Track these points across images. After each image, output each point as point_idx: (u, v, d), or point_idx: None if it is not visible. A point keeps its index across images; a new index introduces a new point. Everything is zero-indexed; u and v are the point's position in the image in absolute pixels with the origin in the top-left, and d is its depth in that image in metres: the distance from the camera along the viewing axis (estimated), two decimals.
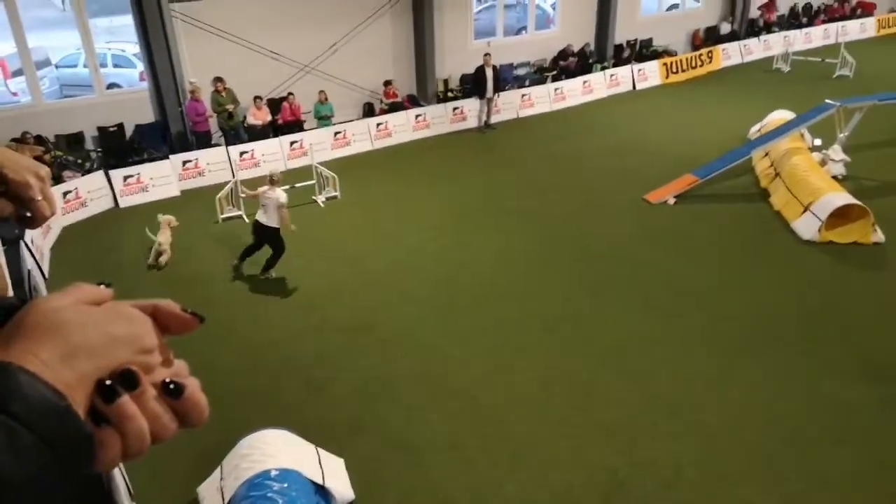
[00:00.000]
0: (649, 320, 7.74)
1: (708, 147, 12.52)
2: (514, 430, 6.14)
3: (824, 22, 22.10)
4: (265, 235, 8.50)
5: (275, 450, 4.99)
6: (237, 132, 13.27)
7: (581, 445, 5.92)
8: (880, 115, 11.93)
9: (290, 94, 13.91)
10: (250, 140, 13.11)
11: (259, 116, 13.38)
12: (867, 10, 23.41)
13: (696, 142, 13.26)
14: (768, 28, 21.37)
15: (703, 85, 17.83)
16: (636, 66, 17.82)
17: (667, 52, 19.22)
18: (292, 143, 13.27)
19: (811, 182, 9.87)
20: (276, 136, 13.45)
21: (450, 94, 16.27)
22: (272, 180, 8.37)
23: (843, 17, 22.67)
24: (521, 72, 17.35)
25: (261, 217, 8.41)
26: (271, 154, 13.01)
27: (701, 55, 18.96)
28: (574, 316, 7.92)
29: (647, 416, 6.25)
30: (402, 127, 14.60)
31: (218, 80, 12.84)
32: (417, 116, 14.83)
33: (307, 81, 14.44)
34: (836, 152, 11.20)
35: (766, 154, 11.40)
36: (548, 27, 18.68)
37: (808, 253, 9.05)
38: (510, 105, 15.75)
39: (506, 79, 16.28)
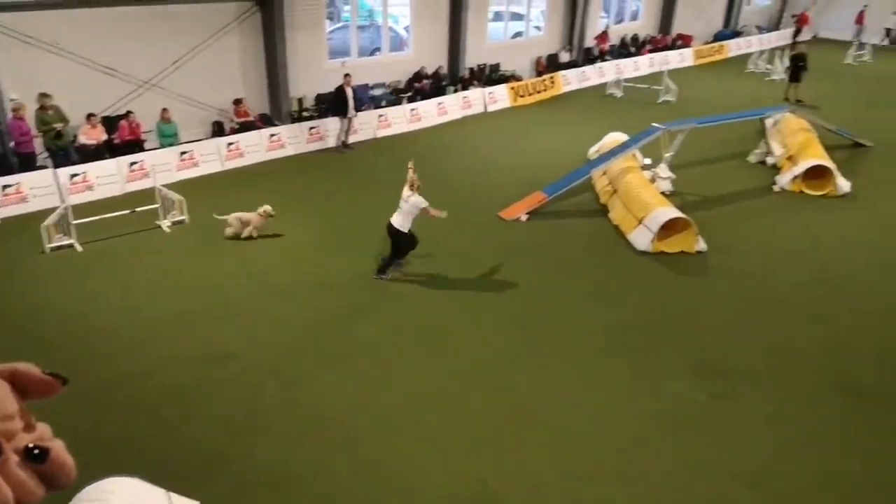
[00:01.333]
0: (510, 333, 8.08)
1: (554, 166, 13.34)
2: (387, 452, 6.12)
3: (650, 52, 24.47)
4: (396, 237, 8.80)
5: (117, 499, 4.58)
6: (67, 153, 12.15)
7: (452, 461, 6.03)
8: (699, 137, 13.39)
9: (129, 112, 13.00)
10: (83, 161, 12.06)
11: (92, 136, 12.37)
12: (685, 42, 26.25)
13: (544, 161, 14.08)
14: (602, 57, 23.29)
15: (547, 108, 19.01)
16: (487, 90, 18.63)
17: (514, 77, 20.30)
18: (132, 164, 12.37)
19: (643, 198, 10.83)
20: (112, 156, 12.49)
21: (304, 113, 16.03)
22: (414, 185, 8.65)
23: (666, 48, 25.24)
24: (376, 92, 17.51)
25: (394, 219, 8.74)
26: (107, 176, 12.05)
27: (544, 80, 20.22)
28: (441, 331, 8.07)
29: (513, 427, 6.50)
30: (256, 147, 14.15)
31: (43, 96, 11.70)
32: (272, 136, 14.44)
33: (149, 99, 13.57)
34: (663, 170, 12.40)
35: (605, 173, 12.36)
36: (402, 49, 19.03)
37: (644, 263, 9.90)
38: (367, 125, 15.81)
39: (362, 99, 16.34)
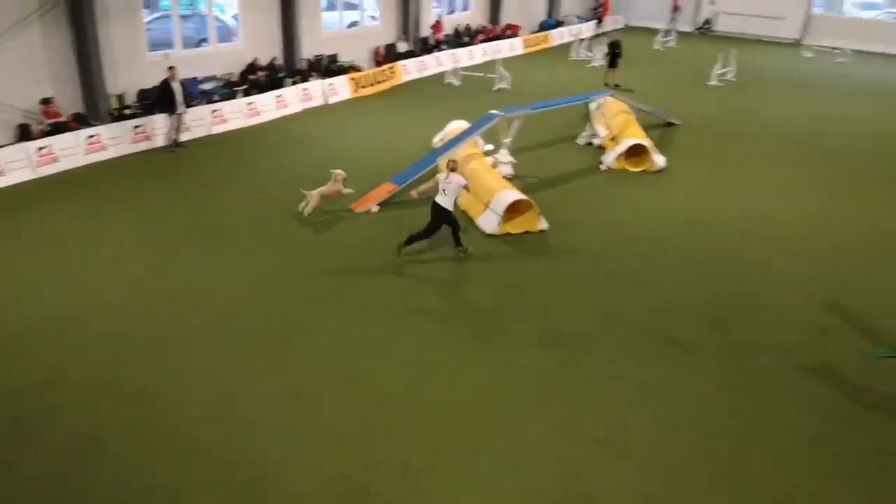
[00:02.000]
0: (367, 324, 8.05)
1: (401, 155, 13.43)
2: (245, 460, 5.86)
3: (482, 41, 25.34)
4: (443, 216, 9.40)
5: None
6: None
7: (315, 459, 5.91)
8: (534, 122, 14.12)
9: None
10: None
11: None
12: (514, 32, 27.49)
13: (391, 151, 14.12)
14: (438, 46, 23.75)
15: (389, 98, 19.06)
16: (327, 81, 18.29)
17: (353, 68, 20.10)
18: None
19: (488, 183, 11.24)
20: None
21: (126, 111, 14.74)
22: (452, 168, 9.38)
23: (497, 37, 26.27)
24: (207, 86, 16.52)
25: (440, 199, 9.34)
26: None
27: (385, 70, 20.24)
28: (296, 329, 7.86)
29: (376, 415, 6.50)
30: (72, 150, 12.81)
31: None
32: (90, 137, 13.15)
33: None
34: (504, 155, 12.94)
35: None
36: (231, 40, 18.11)
37: (492, 244, 10.29)
38: (200, 121, 14.89)
39: (192, 94, 15.35)
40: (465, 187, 9.51)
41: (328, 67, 19.81)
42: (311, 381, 6.98)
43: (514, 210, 10.65)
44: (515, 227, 10.64)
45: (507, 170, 12.84)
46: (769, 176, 13.72)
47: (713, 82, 21.63)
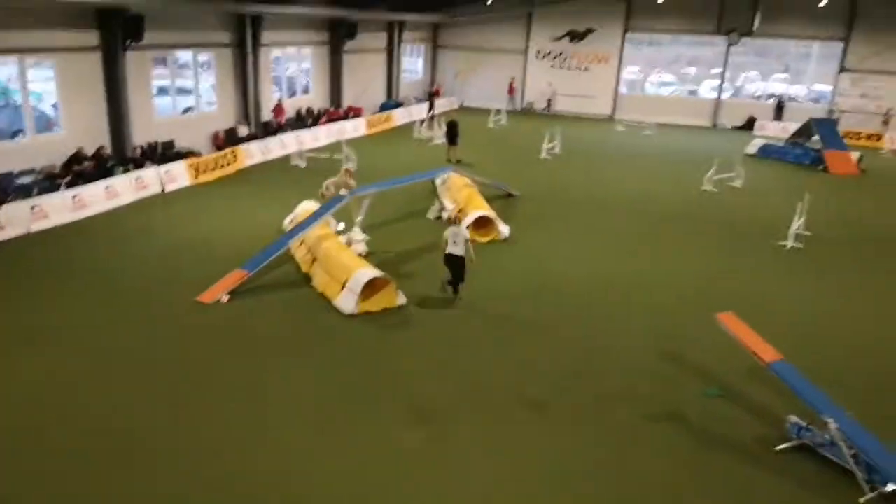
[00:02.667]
0: (230, 414, 7.48)
1: (251, 240, 13.01)
2: None
3: (326, 122, 25.71)
4: (459, 264, 10.78)
5: None
6: None
7: None
8: (384, 199, 14.39)
9: None
10: None
11: None
12: (357, 113, 28.25)
13: (240, 236, 13.64)
14: (281, 129, 23.72)
15: (233, 182, 18.55)
16: (163, 168, 17.46)
17: (192, 153, 19.42)
18: None
19: (344, 262, 11.17)
20: None
21: None
22: (456, 221, 11.42)
23: (340, 119, 26.80)
24: (25, 180, 15.10)
25: (452, 249, 10.73)
26: None
27: (226, 155, 19.75)
28: (122, 434, 7.10)
29: (245, 496, 5.97)
30: None
31: None
32: None
33: None
34: (357, 233, 12.99)
35: (302, 242, 12.45)
36: (51, 130, 16.83)
37: (353, 325, 10.15)
38: (17, 219, 13.46)
39: (6, 190, 13.92)
40: (467, 239, 10.91)
41: (164, 154, 18.98)
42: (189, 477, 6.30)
43: (371, 288, 10.63)
44: (374, 304, 10.60)
45: (362, 247, 12.88)
46: (603, 238, 14.97)
47: (544, 155, 23.49)
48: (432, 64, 37.15)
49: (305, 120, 25.77)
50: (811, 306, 11.66)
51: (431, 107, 30.29)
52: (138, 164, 17.53)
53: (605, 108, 34.38)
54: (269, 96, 24.39)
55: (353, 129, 26.43)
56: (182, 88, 21.22)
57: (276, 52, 24.87)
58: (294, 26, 25.04)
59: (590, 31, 33.83)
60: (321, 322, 10.24)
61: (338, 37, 27.08)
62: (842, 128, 26.48)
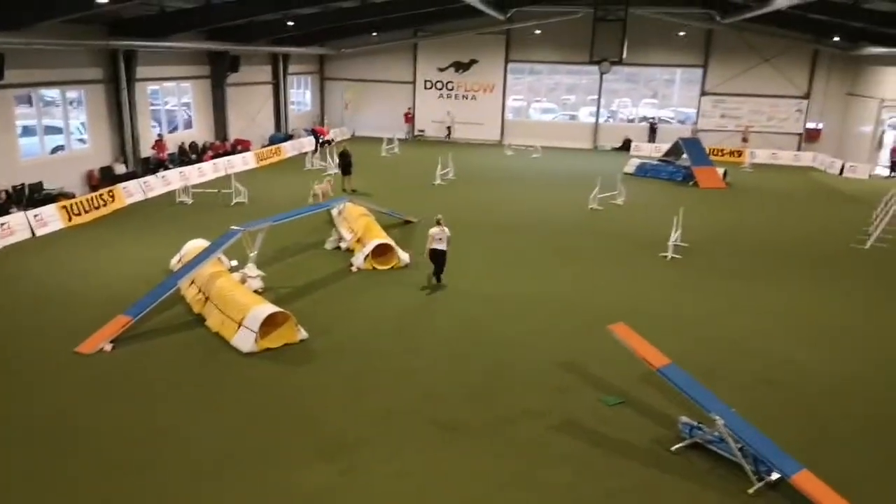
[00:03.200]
0: (114, 475, 6.93)
1: (135, 283, 12.29)
2: None
3: (212, 157, 24.82)
4: (443, 257, 13.07)
5: None
6: None
7: None
8: (279, 233, 14.04)
9: None
10: None
11: None
12: (245, 147, 27.49)
13: (123, 279, 12.83)
14: (163, 165, 22.65)
15: (112, 223, 17.46)
16: (31, 213, 16.15)
17: (63, 195, 18.12)
18: None
19: (238, 300, 10.76)
20: None
21: None
22: (439, 222, 13.04)
23: (227, 153, 25.97)
24: None
25: (437, 245, 12.96)
26: None
27: (102, 195, 18.57)
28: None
29: None
30: None
31: None
32: None
33: None
34: (251, 269, 12.57)
35: (193, 282, 11.89)
36: None
37: (252, 364, 9.76)
38: None
39: None
40: (448, 237, 13.04)
41: (31, 197, 17.59)
42: None
43: (270, 324, 10.30)
44: (274, 341, 10.27)
45: (257, 283, 12.48)
46: (499, 259, 15.35)
47: (438, 181, 23.87)
48: (321, 95, 36.98)
49: (190, 155, 24.78)
50: (693, 311, 12.48)
51: (317, 140, 30.15)
52: (3, 210, 16.13)
53: (493, 134, 35.53)
54: (149, 132, 23.29)
55: (241, 162, 25.72)
56: (51, 127, 19.82)
57: (153, 87, 23.85)
58: (171, 60, 24.13)
59: (474, 61, 35.00)
60: (218, 363, 9.78)
61: (219, 70, 26.37)
62: (707, 145, 28.76)
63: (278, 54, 30.68)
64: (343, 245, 15.28)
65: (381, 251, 14.30)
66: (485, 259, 15.28)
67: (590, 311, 12.07)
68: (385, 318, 11.62)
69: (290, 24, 25.33)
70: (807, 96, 32.42)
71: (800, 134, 32.84)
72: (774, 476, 7.23)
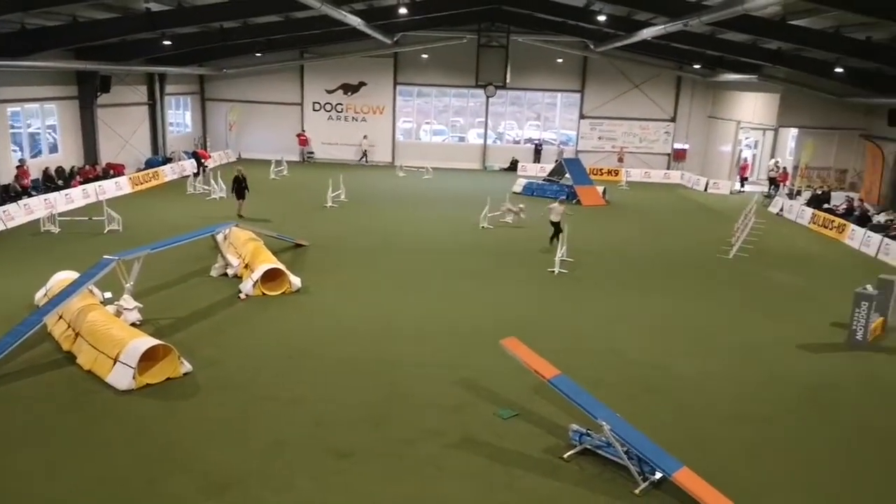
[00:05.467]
0: None
1: None
2: None
3: (81, 183, 23.14)
4: (557, 226, 17.74)
5: None
6: None
7: None
8: (158, 261, 13.28)
9: None
10: None
11: None
12: (118, 171, 25.84)
13: None
14: (26, 192, 20.86)
15: None
16: None
17: None
18: None
19: (113, 334, 10.04)
20: None
21: None
22: (560, 201, 18.69)
23: (98, 178, 24.30)
24: None
25: (554, 217, 17.97)
26: None
27: None
28: None
29: None
30: None
31: None
32: None
33: None
34: (127, 301, 11.78)
35: (60, 317, 10.98)
36: None
37: (131, 402, 9.12)
38: None
39: None
40: (564, 211, 18.17)
41: None
42: None
43: (149, 359, 9.68)
44: (154, 376, 9.65)
45: (134, 316, 11.71)
46: (393, 280, 15.32)
47: (330, 204, 23.56)
48: (202, 117, 35.59)
49: (56, 181, 22.98)
50: (580, 323, 13.02)
51: (199, 164, 28.89)
52: None
53: (385, 156, 35.64)
54: (9, 157, 21.40)
55: (115, 187, 24.19)
56: None
57: (13, 108, 21.98)
58: (34, 81, 22.36)
59: (362, 83, 35.05)
60: (91, 404, 9.05)
61: (89, 90, 24.73)
62: (587, 165, 30.31)
63: (154, 74, 29.28)
64: (230, 272, 14.68)
65: (272, 276, 13.87)
66: (377, 281, 15.20)
67: (483, 328, 12.28)
68: (275, 346, 11.25)
69: (167, 43, 24.27)
70: (673, 119, 35.07)
71: (668, 154, 35.40)
72: (658, 475, 7.63)
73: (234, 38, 27.21)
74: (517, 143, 36.64)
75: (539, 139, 36.06)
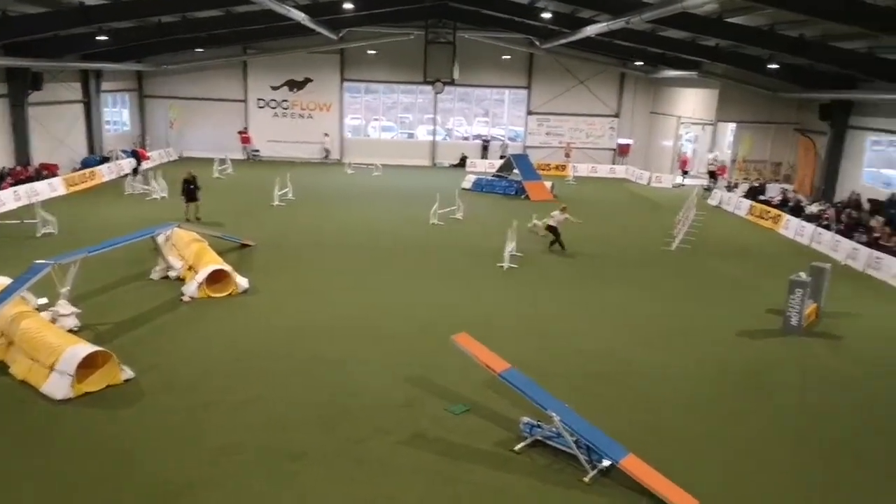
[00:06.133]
0: None
1: None
2: None
3: (12, 185, 22.07)
4: (556, 232, 18.13)
5: None
6: None
7: None
8: (97, 265, 12.80)
9: None
10: None
11: None
12: (52, 171, 24.75)
13: None
14: None
15: None
16: None
17: None
18: None
19: (48, 341, 9.62)
20: None
21: None
22: (563, 209, 18.61)
23: (31, 179, 23.25)
24: None
25: (550, 222, 18.23)
26: None
27: None
28: None
29: None
30: None
31: None
32: None
33: None
34: (64, 307, 11.31)
35: None
36: None
37: (70, 412, 8.77)
38: None
39: None
40: (566, 219, 18.27)
41: None
42: None
43: (88, 365, 9.34)
44: (94, 384, 9.31)
45: (71, 322, 11.26)
46: (343, 278, 15.17)
47: (277, 203, 23.16)
48: (141, 115, 34.45)
49: None
50: (529, 316, 13.17)
51: (139, 163, 27.93)
52: None
53: (333, 153, 35.24)
54: None
55: (48, 188, 23.18)
56: None
57: None
58: None
59: (308, 80, 34.57)
60: (26, 416, 8.66)
61: (19, 88, 23.61)
62: (535, 161, 30.67)
63: (89, 71, 28.17)
64: (172, 274, 14.27)
65: (217, 278, 13.54)
66: (326, 279, 15.03)
67: (434, 324, 12.28)
68: (222, 348, 11.00)
69: (103, 38, 23.36)
70: (617, 115, 35.81)
71: (613, 149, 36.13)
72: (606, 463, 7.79)
73: (174, 33, 26.45)
74: (466, 139, 36.78)
75: (487, 135, 36.30)
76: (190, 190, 19.93)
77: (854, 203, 22.24)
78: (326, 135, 34.91)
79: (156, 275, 14.40)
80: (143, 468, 7.60)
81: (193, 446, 8.09)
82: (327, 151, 34.89)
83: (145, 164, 28.43)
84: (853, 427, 9.29)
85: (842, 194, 23.96)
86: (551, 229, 18.23)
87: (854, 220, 20.86)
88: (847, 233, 19.72)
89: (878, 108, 22.79)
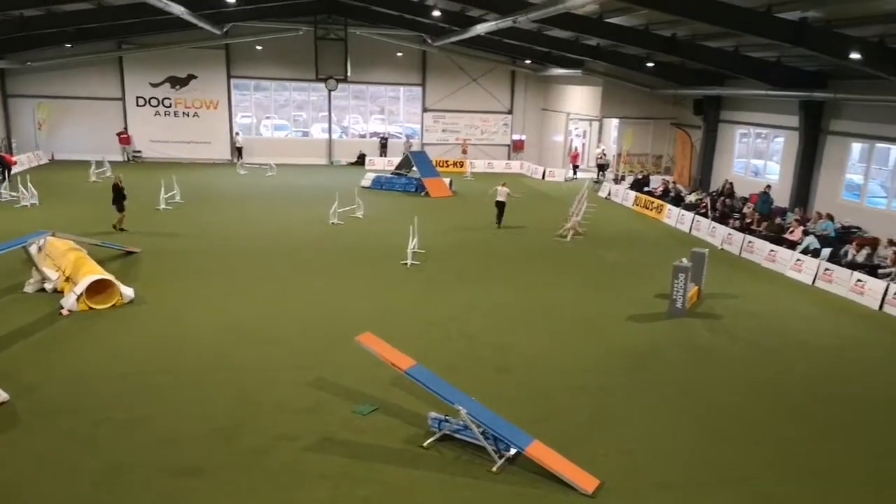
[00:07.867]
0: None
1: None
2: None
3: None
4: (502, 207, 20.36)
5: None
6: None
7: None
8: None
9: None
10: None
11: None
12: None
13: None
14: None
15: None
16: None
17: None
18: None
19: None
20: None
21: None
22: (504, 184, 21.00)
23: None
24: None
25: (500, 198, 20.30)
26: None
27: None
28: None
29: None
30: None
31: None
32: None
33: None
34: None
35: None
36: None
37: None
38: None
39: None
40: (508, 194, 20.31)
41: None
42: None
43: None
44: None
45: None
46: (238, 283, 14.59)
47: (163, 206, 21.94)
48: (5, 116, 31.57)
49: None
50: (433, 313, 13.23)
51: (5, 169, 25.58)
52: None
53: (223, 153, 33.85)
54: None
55: None
56: None
57: None
58: None
59: (192, 76, 33.00)
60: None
61: None
62: (433, 158, 30.86)
63: None
64: (48, 286, 13.19)
65: (99, 289, 12.65)
66: (220, 285, 14.41)
67: (337, 326, 12.09)
68: (108, 364, 10.28)
69: None
70: (510, 111, 36.73)
71: (508, 145, 37.04)
72: (512, 451, 7.97)
73: (38, 28, 24.41)
74: (363, 137, 36.45)
75: (385, 133, 36.14)
76: (118, 197, 18.54)
77: (728, 191, 24.02)
78: (238, 133, 33.52)
79: (30, 287, 13.26)
80: (20, 498, 6.96)
81: (77, 470, 7.50)
82: (240, 151, 33.39)
83: (15, 169, 26.07)
84: (729, 396, 10.04)
85: (717, 183, 25.82)
86: (499, 204, 20.18)
87: (728, 207, 22.55)
88: (722, 220, 21.28)
89: (743, 103, 24.76)
